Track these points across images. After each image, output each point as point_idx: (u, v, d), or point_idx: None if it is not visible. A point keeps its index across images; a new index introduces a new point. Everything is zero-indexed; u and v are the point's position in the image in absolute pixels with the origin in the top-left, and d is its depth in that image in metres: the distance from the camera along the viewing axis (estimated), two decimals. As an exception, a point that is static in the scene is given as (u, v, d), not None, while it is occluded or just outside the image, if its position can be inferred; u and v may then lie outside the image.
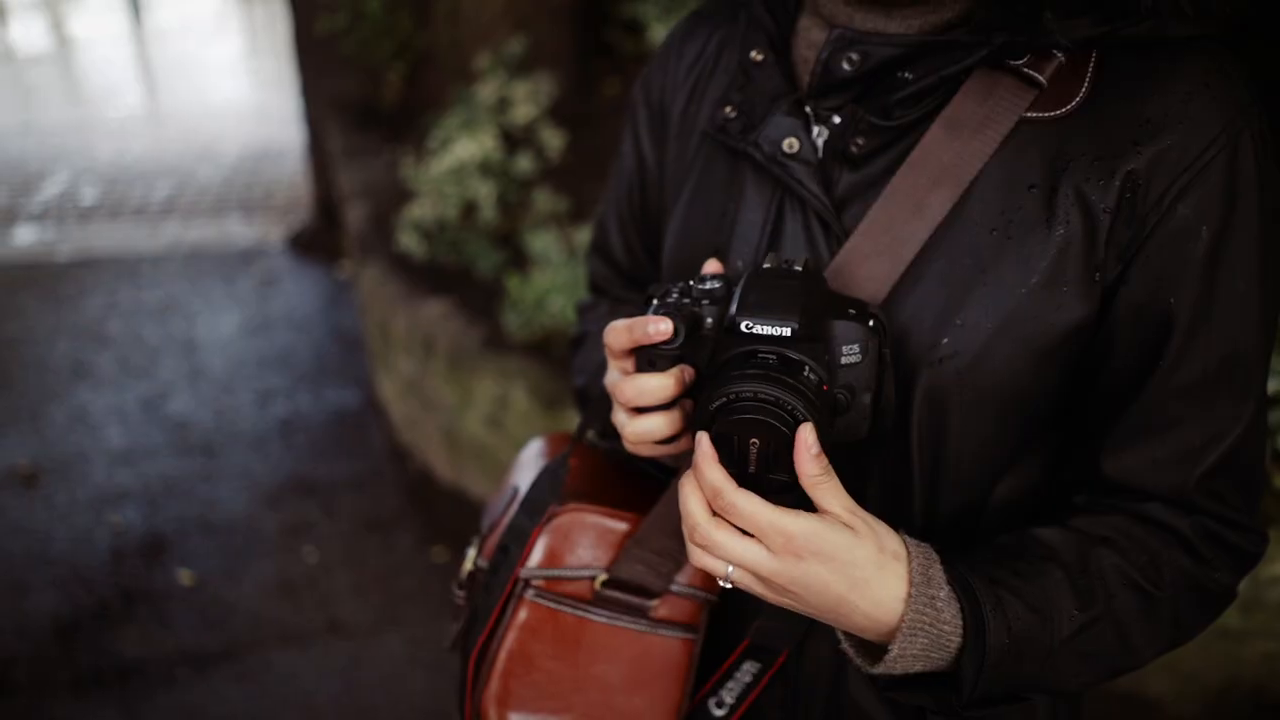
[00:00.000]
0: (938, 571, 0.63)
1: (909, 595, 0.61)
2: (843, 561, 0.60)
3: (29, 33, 10.57)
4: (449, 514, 2.61)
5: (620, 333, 0.68)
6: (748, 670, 0.79)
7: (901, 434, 0.70)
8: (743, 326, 0.64)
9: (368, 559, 2.59)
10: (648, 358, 0.69)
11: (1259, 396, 0.69)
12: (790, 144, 0.72)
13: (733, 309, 0.65)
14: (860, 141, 0.70)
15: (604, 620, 0.78)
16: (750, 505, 0.60)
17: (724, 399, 0.60)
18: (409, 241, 2.73)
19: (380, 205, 3.12)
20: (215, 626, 2.39)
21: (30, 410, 3.23)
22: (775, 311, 0.63)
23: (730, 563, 0.62)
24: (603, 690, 0.76)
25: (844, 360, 0.65)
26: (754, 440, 0.60)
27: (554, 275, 2.19)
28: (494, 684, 0.78)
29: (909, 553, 0.63)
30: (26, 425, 3.15)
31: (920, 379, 0.68)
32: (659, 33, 3.35)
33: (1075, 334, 0.67)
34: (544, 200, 2.71)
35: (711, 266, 0.74)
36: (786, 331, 0.62)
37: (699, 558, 0.63)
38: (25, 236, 4.63)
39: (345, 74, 4.10)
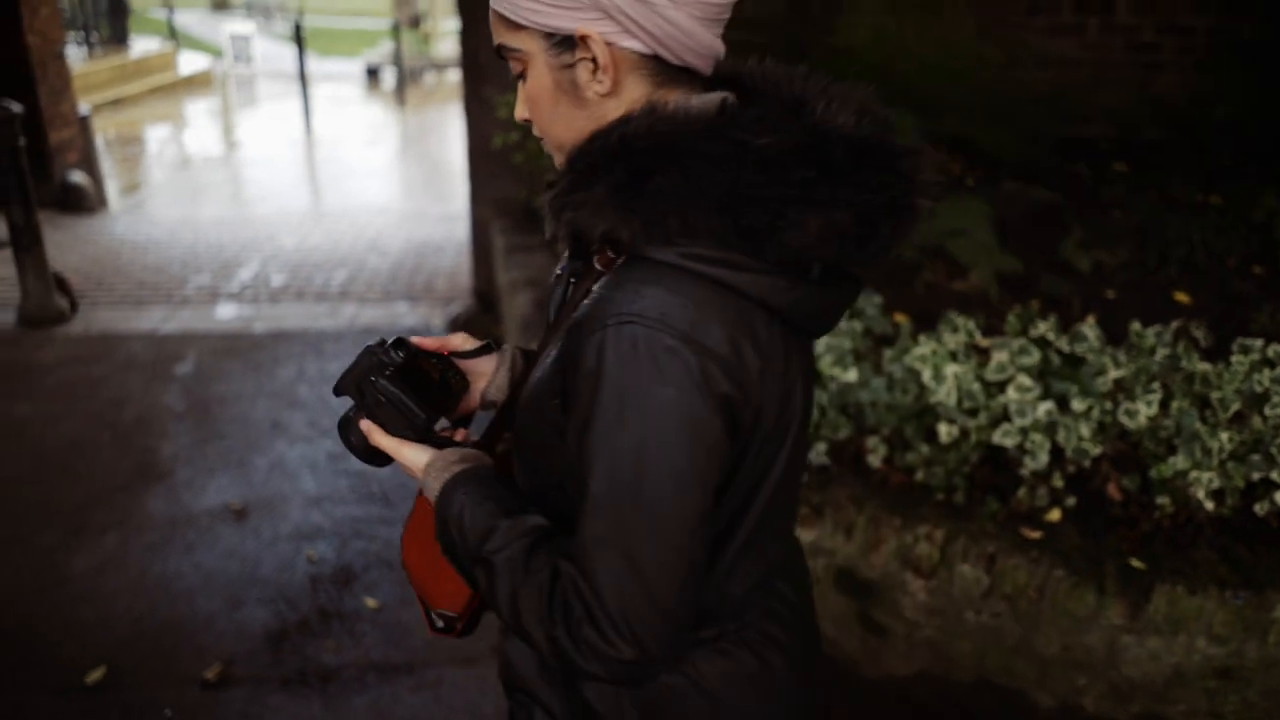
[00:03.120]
0: (439, 472, 1.03)
1: (424, 468, 1.05)
2: (404, 460, 1.07)
3: (207, 139, 11.88)
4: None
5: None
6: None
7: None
8: None
9: (524, 597, 2.96)
10: None
11: (599, 556, 0.86)
12: (560, 268, 1.08)
13: None
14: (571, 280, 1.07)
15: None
16: (374, 436, 1.08)
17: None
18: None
19: (543, 294, 3.61)
20: (397, 644, 2.79)
21: (238, 458, 3.78)
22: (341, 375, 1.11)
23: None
24: (438, 558, 1.08)
25: (381, 402, 1.08)
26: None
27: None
28: (408, 535, 1.19)
29: (430, 462, 1.05)
30: (235, 470, 3.69)
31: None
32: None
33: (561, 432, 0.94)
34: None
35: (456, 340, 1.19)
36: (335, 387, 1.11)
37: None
38: (227, 313, 5.34)
39: (510, 181, 4.70)
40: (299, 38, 11.04)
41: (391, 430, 1.07)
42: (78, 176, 7.48)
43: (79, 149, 7.66)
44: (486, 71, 4.59)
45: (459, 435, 1.16)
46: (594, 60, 0.89)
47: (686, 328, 0.83)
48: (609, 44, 0.88)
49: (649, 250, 0.86)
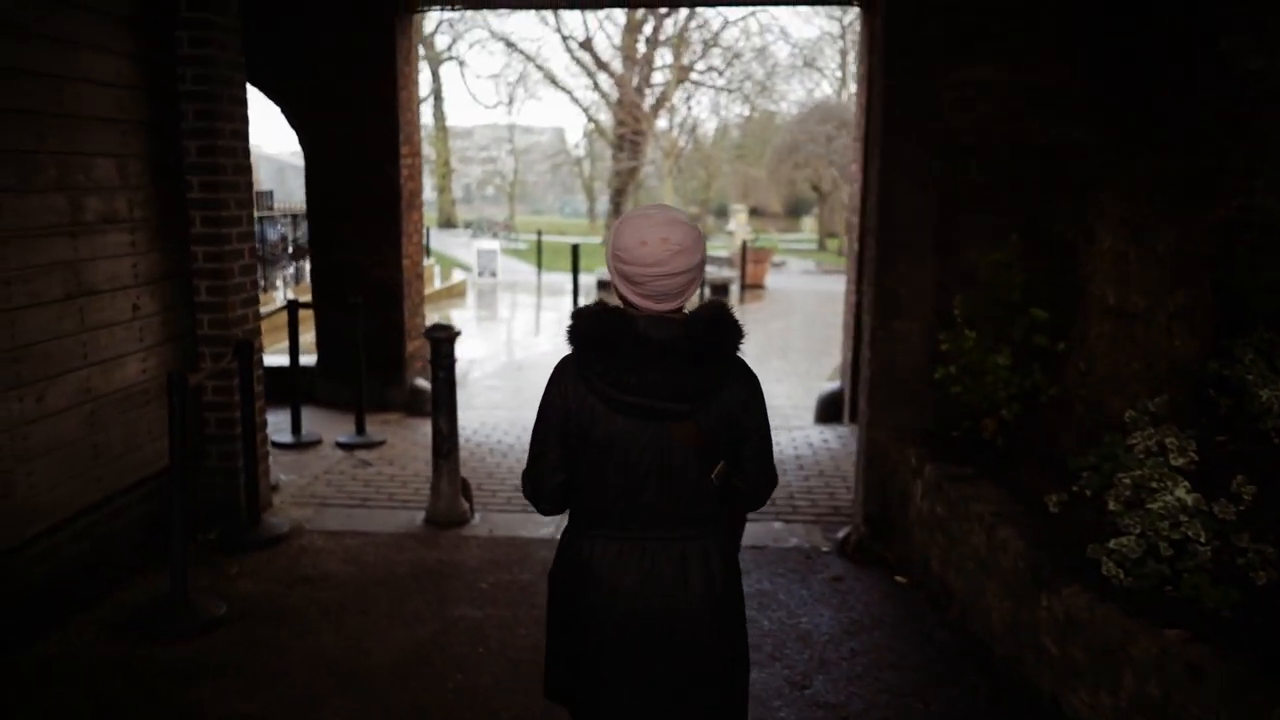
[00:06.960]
0: None
1: None
2: None
3: (489, 343, 12.81)
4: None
5: None
6: None
7: None
8: None
9: None
10: None
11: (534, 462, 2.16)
12: None
13: None
14: None
15: None
16: None
17: None
18: (1111, 570, 3.12)
19: (1035, 534, 3.57)
20: None
21: (706, 678, 3.79)
22: None
23: None
24: None
25: None
26: None
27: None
28: None
29: None
30: (708, 692, 3.69)
31: None
32: (1262, 395, 3.72)
33: None
34: (1245, 541, 3.03)
35: None
36: None
37: None
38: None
39: (918, 409, 4.80)
40: (575, 262, 12.00)
41: None
42: (422, 382, 8.17)
43: (423, 357, 8.40)
44: (902, 309, 4.81)
45: None
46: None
47: (567, 375, 2.08)
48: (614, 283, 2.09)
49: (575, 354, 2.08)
